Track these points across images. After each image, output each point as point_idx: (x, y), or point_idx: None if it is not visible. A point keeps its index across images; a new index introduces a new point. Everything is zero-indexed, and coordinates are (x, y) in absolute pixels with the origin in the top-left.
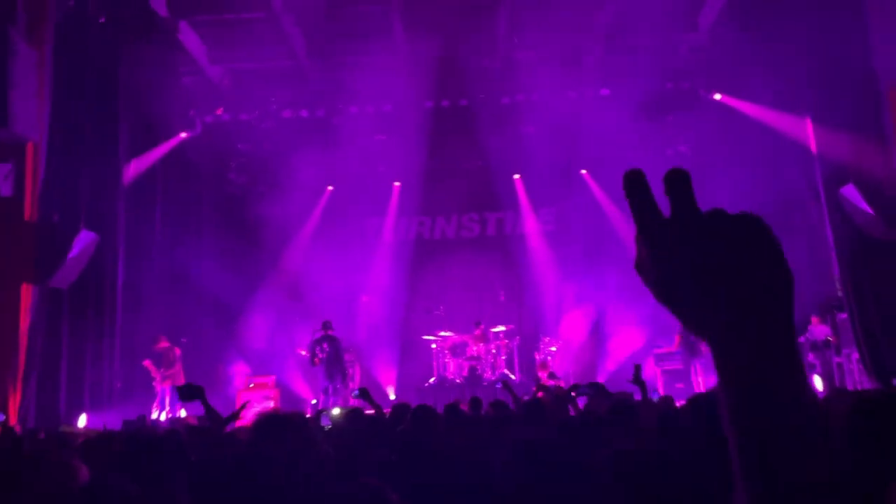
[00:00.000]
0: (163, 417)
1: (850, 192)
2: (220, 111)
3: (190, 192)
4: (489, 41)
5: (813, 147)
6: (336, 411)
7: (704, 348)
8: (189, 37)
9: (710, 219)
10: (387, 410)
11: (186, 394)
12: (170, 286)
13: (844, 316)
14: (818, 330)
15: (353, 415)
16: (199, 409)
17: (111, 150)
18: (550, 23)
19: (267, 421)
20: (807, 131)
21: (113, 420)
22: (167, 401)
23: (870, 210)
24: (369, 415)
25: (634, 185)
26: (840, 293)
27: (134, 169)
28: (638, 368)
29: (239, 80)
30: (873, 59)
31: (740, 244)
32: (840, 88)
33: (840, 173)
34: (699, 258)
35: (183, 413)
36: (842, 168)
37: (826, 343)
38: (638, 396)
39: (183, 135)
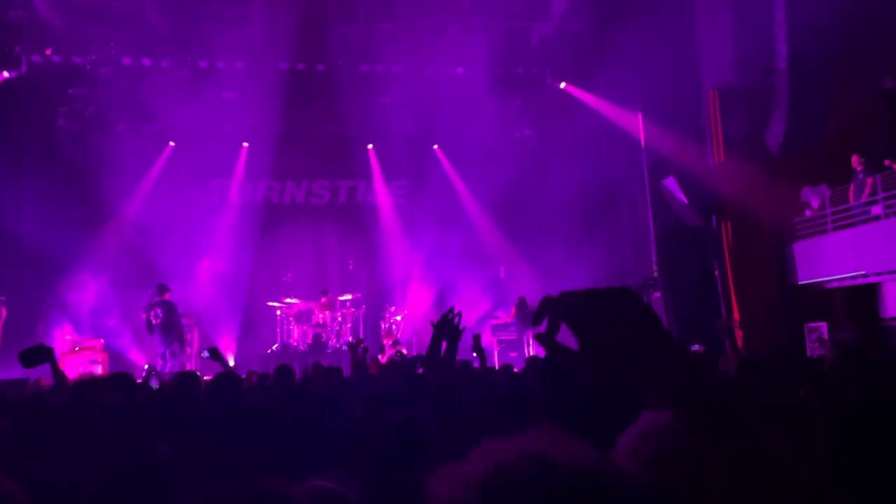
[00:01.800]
0: None
1: (671, 183)
2: (49, 51)
3: (13, 137)
4: (351, 7)
5: (642, 140)
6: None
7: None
8: None
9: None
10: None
11: (30, 358)
12: None
13: (658, 295)
14: None
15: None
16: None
17: None
18: None
19: (85, 384)
20: (637, 125)
21: None
22: None
23: (685, 200)
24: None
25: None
26: (656, 274)
27: None
28: (477, 338)
29: (73, 19)
30: (699, 64)
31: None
32: (668, 88)
33: (663, 166)
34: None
35: None
36: (665, 161)
37: None
38: (477, 364)
39: (5, 73)
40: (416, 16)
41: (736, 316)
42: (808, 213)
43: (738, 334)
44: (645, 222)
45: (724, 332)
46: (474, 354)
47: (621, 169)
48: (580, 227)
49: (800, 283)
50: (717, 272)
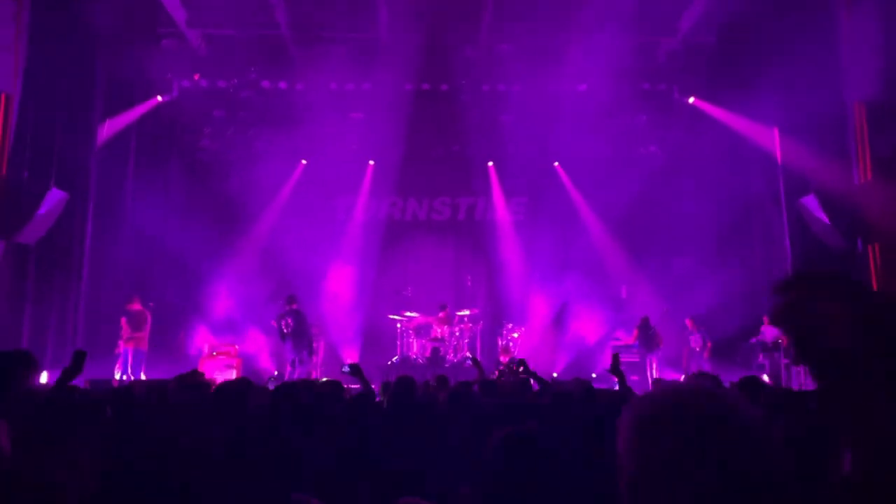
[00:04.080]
0: (123, 378)
1: (811, 202)
2: (197, 76)
3: (162, 155)
4: (473, 30)
5: (778, 157)
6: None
7: (661, 343)
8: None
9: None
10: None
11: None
12: (137, 249)
13: None
14: (769, 331)
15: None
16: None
17: (86, 109)
18: (534, 16)
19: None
20: (773, 141)
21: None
22: (129, 362)
23: (827, 221)
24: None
25: None
26: None
27: (108, 129)
28: (616, 358)
29: (218, 47)
30: (843, 76)
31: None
32: (808, 102)
33: (802, 184)
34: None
35: (143, 376)
36: (804, 179)
37: (776, 345)
38: (616, 385)
39: (159, 98)
40: (537, 36)
41: None
42: None
43: None
44: (781, 244)
45: None
46: (613, 374)
47: (755, 187)
48: (709, 248)
49: None
50: None
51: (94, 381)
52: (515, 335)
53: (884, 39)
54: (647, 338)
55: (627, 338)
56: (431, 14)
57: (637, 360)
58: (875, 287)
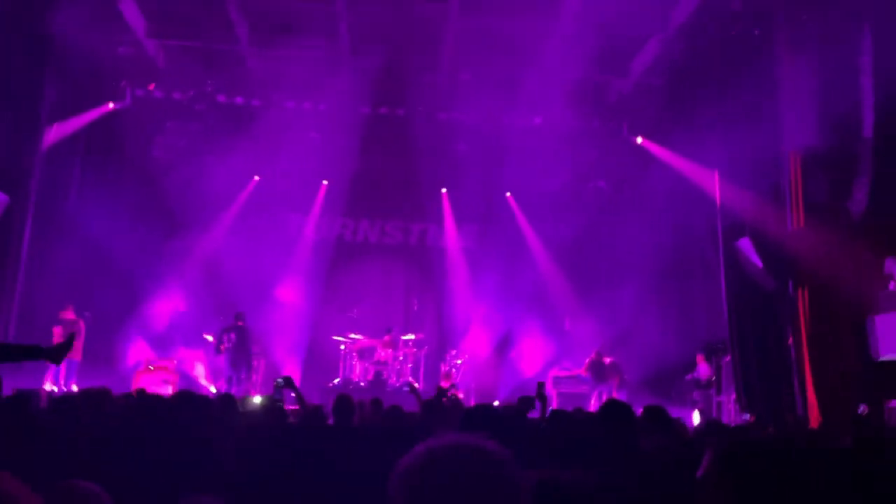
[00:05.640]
0: (55, 389)
1: (745, 244)
2: (152, 86)
3: (110, 163)
4: (433, 57)
5: (717, 198)
6: (257, 399)
7: (610, 377)
8: (129, 7)
9: None
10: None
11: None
12: (79, 257)
13: (728, 359)
14: (703, 369)
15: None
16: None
17: (33, 111)
18: (494, 48)
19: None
20: (714, 183)
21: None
22: (61, 373)
23: (760, 263)
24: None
25: None
26: (726, 337)
27: (56, 133)
28: (541, 385)
29: (176, 58)
30: (780, 126)
31: None
32: (747, 148)
33: (739, 226)
34: None
35: (75, 388)
36: (741, 221)
37: (709, 382)
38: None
39: (111, 105)
40: (496, 67)
41: (809, 386)
42: (892, 285)
43: (812, 405)
44: (718, 283)
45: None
46: (538, 399)
47: (696, 226)
48: (651, 283)
49: (881, 358)
50: (790, 340)
51: (20, 392)
52: (459, 362)
53: (820, 90)
54: (598, 371)
55: (577, 369)
56: (393, 38)
57: (575, 391)
58: (803, 329)
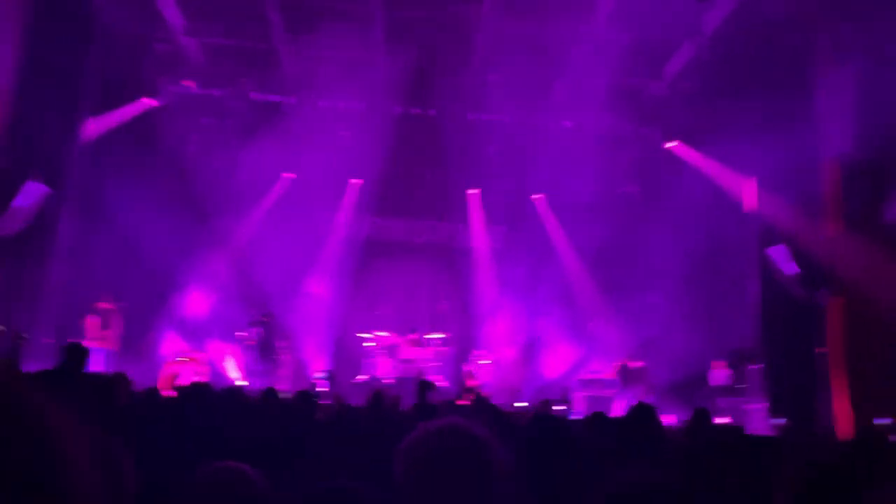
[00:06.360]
0: None
1: (778, 252)
2: (188, 83)
3: (146, 158)
4: (465, 57)
5: (753, 205)
6: None
7: (638, 382)
8: (168, 5)
9: None
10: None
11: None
12: (114, 249)
13: (755, 367)
14: (720, 374)
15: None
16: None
17: (74, 106)
18: (525, 50)
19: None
20: (749, 189)
21: None
22: (100, 363)
23: (795, 271)
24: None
25: None
26: (756, 344)
27: (94, 127)
28: (565, 391)
29: (212, 56)
30: (818, 133)
31: None
32: (784, 155)
33: (773, 234)
34: None
35: None
36: (775, 229)
37: (731, 388)
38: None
39: (149, 100)
40: (526, 69)
41: (840, 397)
42: None
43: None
44: (750, 290)
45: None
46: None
47: (728, 233)
48: (680, 289)
49: None
50: (823, 349)
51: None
52: (482, 363)
53: (860, 99)
54: (626, 375)
55: (607, 371)
56: (426, 38)
57: (602, 394)
58: (839, 339)
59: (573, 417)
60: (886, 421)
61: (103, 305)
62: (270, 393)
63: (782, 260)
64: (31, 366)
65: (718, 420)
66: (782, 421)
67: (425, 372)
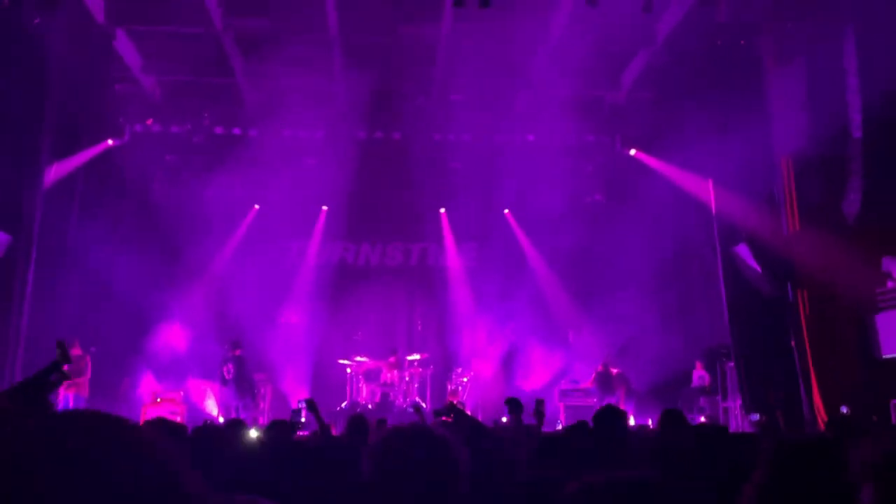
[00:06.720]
0: None
1: (743, 250)
2: (150, 121)
3: (111, 199)
4: (425, 80)
5: (713, 206)
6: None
7: (618, 388)
8: (125, 45)
9: None
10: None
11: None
12: (83, 294)
13: (731, 364)
14: (701, 375)
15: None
16: None
17: (33, 152)
18: (484, 68)
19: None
20: (707, 191)
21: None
22: (70, 409)
23: (758, 268)
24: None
25: None
26: (727, 342)
27: (56, 171)
28: (539, 403)
29: (172, 92)
30: (771, 131)
31: None
32: (739, 155)
33: (735, 233)
34: None
35: None
36: (737, 228)
37: (712, 388)
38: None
39: (110, 142)
40: (487, 87)
41: (814, 388)
42: (889, 284)
43: (818, 407)
44: (717, 289)
45: (775, 405)
46: (535, 416)
47: (693, 235)
48: (651, 293)
49: (884, 356)
50: (793, 343)
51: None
52: (465, 380)
53: (808, 94)
54: (605, 382)
55: (584, 381)
56: (385, 63)
57: (583, 403)
58: (805, 331)
59: (546, 430)
60: (845, 410)
61: (73, 352)
62: (236, 424)
63: (747, 257)
64: None
65: (699, 420)
66: (756, 416)
67: (407, 395)
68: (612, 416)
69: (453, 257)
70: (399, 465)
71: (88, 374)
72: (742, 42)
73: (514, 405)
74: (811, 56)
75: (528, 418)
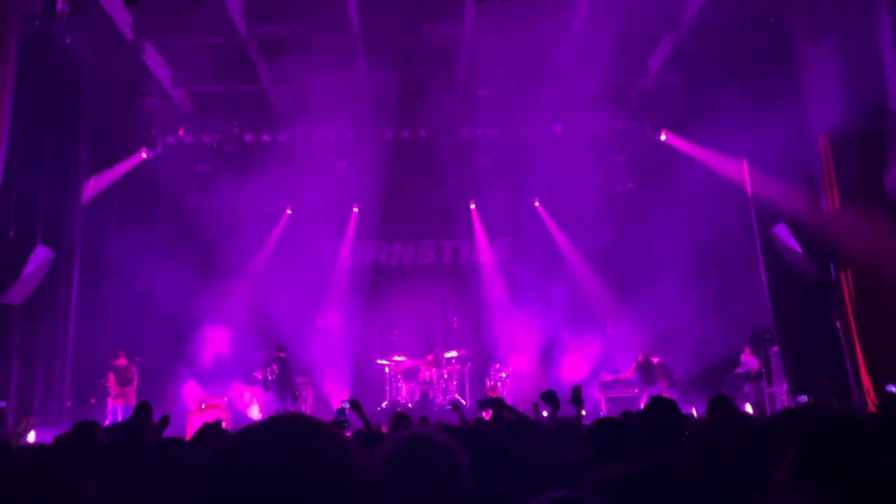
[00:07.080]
0: None
1: (782, 231)
2: (181, 132)
3: (148, 210)
4: (449, 78)
5: (748, 189)
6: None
7: (660, 378)
8: (154, 59)
9: None
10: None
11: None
12: (124, 304)
13: (775, 349)
14: (751, 361)
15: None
16: None
17: (71, 168)
18: (508, 62)
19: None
20: (743, 174)
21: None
22: (119, 419)
23: (799, 249)
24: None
25: None
26: (771, 326)
27: (93, 186)
28: (576, 390)
29: (201, 103)
30: (806, 110)
31: None
32: (774, 136)
33: (773, 214)
34: None
35: None
36: (775, 209)
37: (759, 374)
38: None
39: (143, 154)
40: (512, 81)
41: (862, 369)
42: None
43: (867, 389)
44: (757, 273)
45: (830, 392)
46: (572, 403)
47: (730, 219)
48: (689, 280)
49: None
50: (838, 324)
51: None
52: (503, 375)
53: (844, 70)
54: (646, 372)
55: (624, 372)
56: (409, 63)
57: (624, 395)
58: (850, 312)
59: (585, 422)
60: (892, 389)
61: (119, 362)
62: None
63: (786, 239)
64: (55, 433)
65: (744, 407)
66: (804, 398)
67: (446, 392)
68: (664, 408)
69: (486, 253)
70: (401, 471)
71: (135, 384)
72: (771, 20)
73: (549, 398)
74: (844, 30)
75: (566, 408)
